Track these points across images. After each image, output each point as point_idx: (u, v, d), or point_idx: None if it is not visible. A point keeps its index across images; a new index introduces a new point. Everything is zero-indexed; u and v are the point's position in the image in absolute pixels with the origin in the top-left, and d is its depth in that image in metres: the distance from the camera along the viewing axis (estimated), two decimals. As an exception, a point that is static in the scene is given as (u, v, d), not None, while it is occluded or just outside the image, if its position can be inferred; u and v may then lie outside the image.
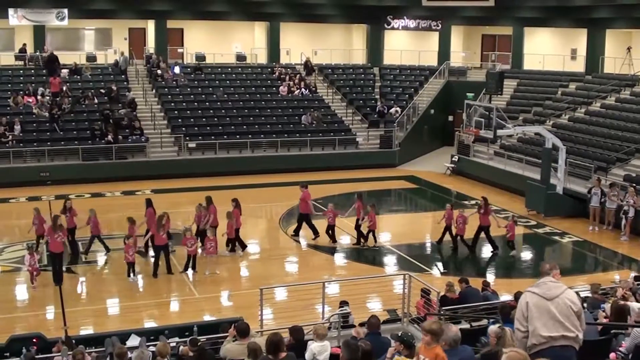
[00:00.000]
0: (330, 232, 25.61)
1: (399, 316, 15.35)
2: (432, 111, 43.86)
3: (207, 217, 23.96)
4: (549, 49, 45.38)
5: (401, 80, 47.15)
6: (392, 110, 42.68)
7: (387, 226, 29.14)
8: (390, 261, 24.28)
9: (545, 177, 29.89)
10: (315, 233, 25.66)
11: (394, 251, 25.01)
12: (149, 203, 24.22)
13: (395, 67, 48.24)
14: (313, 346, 11.30)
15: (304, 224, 25.84)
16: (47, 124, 37.81)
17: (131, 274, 21.93)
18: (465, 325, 13.94)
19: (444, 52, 47.49)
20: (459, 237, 25.11)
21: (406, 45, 49.13)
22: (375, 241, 25.51)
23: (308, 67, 46.20)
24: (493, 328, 10.54)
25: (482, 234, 24.95)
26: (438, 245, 25.74)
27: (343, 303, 15.86)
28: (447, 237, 25.40)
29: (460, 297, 16.45)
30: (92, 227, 23.61)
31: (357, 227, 25.52)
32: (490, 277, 22.64)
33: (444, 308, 15.18)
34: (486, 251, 25.15)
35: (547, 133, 30.71)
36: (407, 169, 39.57)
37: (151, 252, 23.26)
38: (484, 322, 13.73)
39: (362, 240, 25.34)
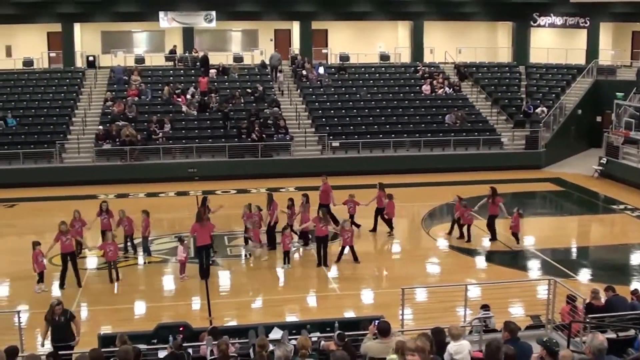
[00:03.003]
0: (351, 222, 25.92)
1: (542, 322, 15.09)
2: (580, 111, 42.64)
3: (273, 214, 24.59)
4: None
5: (548, 79, 46.13)
6: (538, 110, 41.84)
7: (531, 229, 28.57)
8: (534, 265, 23.80)
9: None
10: (336, 222, 25.52)
11: (538, 255, 24.51)
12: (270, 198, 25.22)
13: (541, 66, 47.25)
14: (450, 346, 11.29)
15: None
16: (196, 122, 39.17)
17: (286, 262, 22.76)
18: (611, 335, 13.56)
19: (592, 50, 46.19)
20: (466, 227, 25.64)
21: (553, 43, 47.97)
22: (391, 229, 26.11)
23: (461, 72, 45.59)
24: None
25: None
26: (449, 236, 26.18)
27: (484, 307, 15.72)
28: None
29: (607, 305, 15.99)
30: (127, 228, 23.95)
31: (377, 215, 26.31)
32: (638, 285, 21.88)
33: (589, 316, 14.81)
34: (624, 258, 24.29)
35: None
36: (552, 171, 38.67)
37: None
38: (632, 332, 13.33)
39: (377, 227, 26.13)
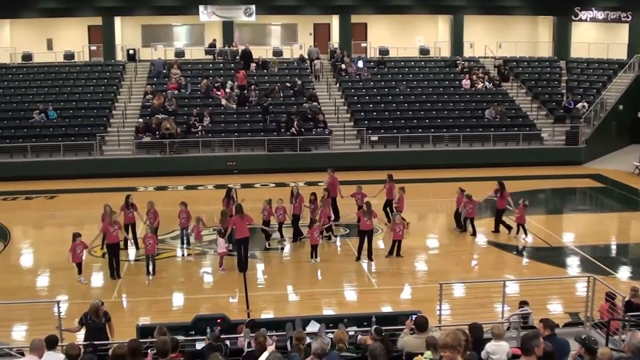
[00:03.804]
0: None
1: (581, 320, 14.97)
2: (621, 107, 42.15)
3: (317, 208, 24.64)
4: None
5: (589, 74, 45.66)
6: (579, 105, 41.41)
7: (571, 226, 28.36)
8: (573, 262, 23.56)
9: None
10: (337, 214, 25.94)
11: (577, 252, 24.27)
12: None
13: (582, 61, 46.79)
14: (488, 345, 11.24)
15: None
16: (235, 116, 39.37)
17: (313, 257, 22.86)
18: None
19: (634, 45, 45.46)
20: (468, 220, 25.74)
21: (594, 37, 47.45)
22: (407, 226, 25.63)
23: (502, 72, 45.18)
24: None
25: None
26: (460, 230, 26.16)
27: (523, 303, 15.61)
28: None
29: (646, 303, 15.82)
30: (151, 219, 23.68)
31: (386, 207, 26.35)
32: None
33: (628, 314, 14.66)
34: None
35: None
36: (593, 167, 38.28)
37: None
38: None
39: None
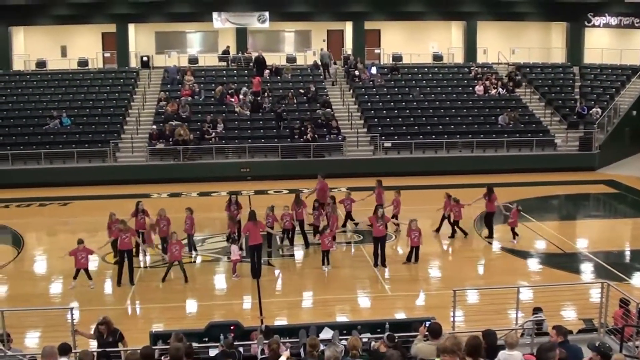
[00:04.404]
0: (349, 218, 26.91)
1: (595, 326, 14.89)
2: (635, 112, 42.04)
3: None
4: None
5: (602, 79, 45.51)
6: (593, 111, 41.28)
7: (585, 232, 28.26)
8: (586, 268, 23.46)
9: None
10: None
11: (591, 258, 24.17)
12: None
13: (596, 66, 46.63)
14: (501, 353, 11.17)
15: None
16: (248, 122, 39.43)
17: (325, 263, 22.81)
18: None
19: (647, 51, 45.38)
20: (456, 223, 26.00)
21: (607, 43, 47.26)
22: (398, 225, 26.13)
23: (514, 80, 44.97)
24: None
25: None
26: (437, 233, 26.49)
27: (537, 309, 15.55)
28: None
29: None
30: (165, 228, 23.67)
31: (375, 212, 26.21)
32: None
33: (643, 320, 14.58)
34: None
35: None
36: (607, 173, 38.12)
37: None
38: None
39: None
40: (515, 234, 25.48)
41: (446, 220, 26.46)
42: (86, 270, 21.22)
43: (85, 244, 21.25)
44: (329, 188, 27.31)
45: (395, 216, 26.18)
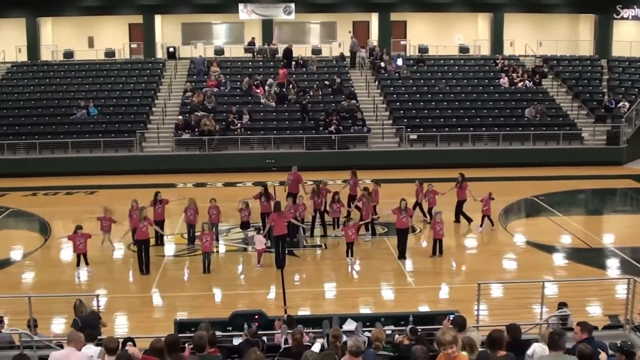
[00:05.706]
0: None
1: (620, 322, 14.78)
2: (663, 107, 41.60)
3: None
4: None
5: (630, 73, 45.07)
6: (620, 104, 40.90)
7: (611, 227, 28.02)
8: (612, 264, 23.25)
9: None
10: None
11: (617, 253, 23.97)
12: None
13: (624, 59, 46.21)
14: (536, 345, 11.04)
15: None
16: (274, 113, 39.49)
17: (349, 255, 22.70)
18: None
19: (677, 44, 44.94)
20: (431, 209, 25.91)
21: (636, 36, 46.82)
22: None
23: (538, 72, 44.59)
24: None
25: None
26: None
27: (562, 304, 15.45)
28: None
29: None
30: (192, 217, 23.97)
31: (350, 203, 26.42)
32: None
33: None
34: None
35: None
36: (634, 168, 37.77)
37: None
38: None
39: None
40: (491, 222, 25.93)
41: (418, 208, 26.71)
42: (84, 255, 21.44)
43: (112, 233, 21.38)
44: (353, 181, 27.12)
45: (374, 206, 25.97)
